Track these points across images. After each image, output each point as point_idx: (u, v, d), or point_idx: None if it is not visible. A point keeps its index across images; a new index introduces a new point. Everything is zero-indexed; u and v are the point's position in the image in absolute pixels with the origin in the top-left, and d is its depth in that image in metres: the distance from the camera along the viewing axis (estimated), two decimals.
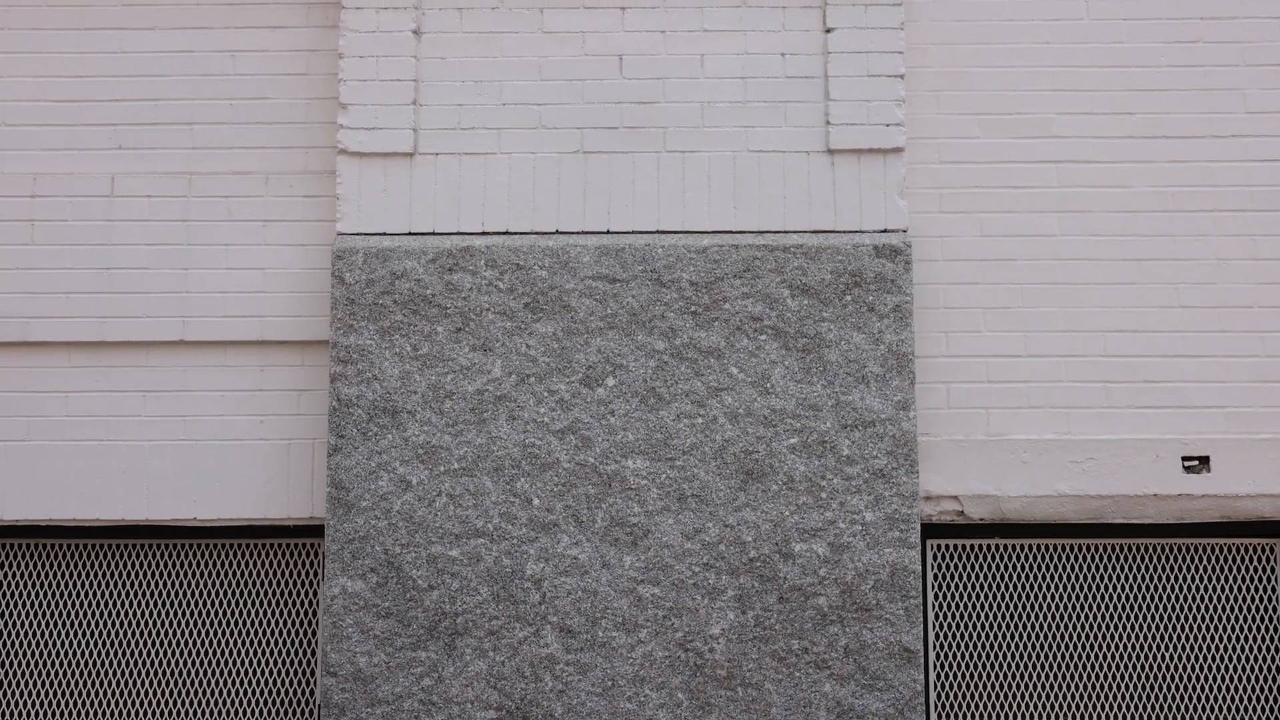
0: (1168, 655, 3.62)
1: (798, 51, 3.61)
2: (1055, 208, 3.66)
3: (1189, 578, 3.64)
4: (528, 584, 3.40)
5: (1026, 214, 3.66)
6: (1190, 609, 3.62)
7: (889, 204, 3.55)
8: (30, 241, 3.67)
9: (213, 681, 3.68)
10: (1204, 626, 3.62)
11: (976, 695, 3.62)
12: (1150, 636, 3.63)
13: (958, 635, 3.63)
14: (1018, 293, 3.63)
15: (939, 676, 3.62)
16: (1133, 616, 3.63)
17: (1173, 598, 3.63)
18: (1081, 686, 3.62)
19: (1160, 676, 3.62)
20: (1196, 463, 3.56)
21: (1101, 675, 3.62)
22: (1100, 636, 3.63)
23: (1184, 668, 3.61)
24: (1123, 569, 3.65)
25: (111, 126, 3.71)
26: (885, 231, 3.55)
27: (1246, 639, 3.61)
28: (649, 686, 3.38)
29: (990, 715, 3.62)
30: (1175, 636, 3.62)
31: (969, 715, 3.62)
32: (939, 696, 3.62)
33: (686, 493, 3.42)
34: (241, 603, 3.70)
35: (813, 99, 3.59)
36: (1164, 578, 3.64)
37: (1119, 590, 3.64)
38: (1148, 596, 3.63)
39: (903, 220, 3.55)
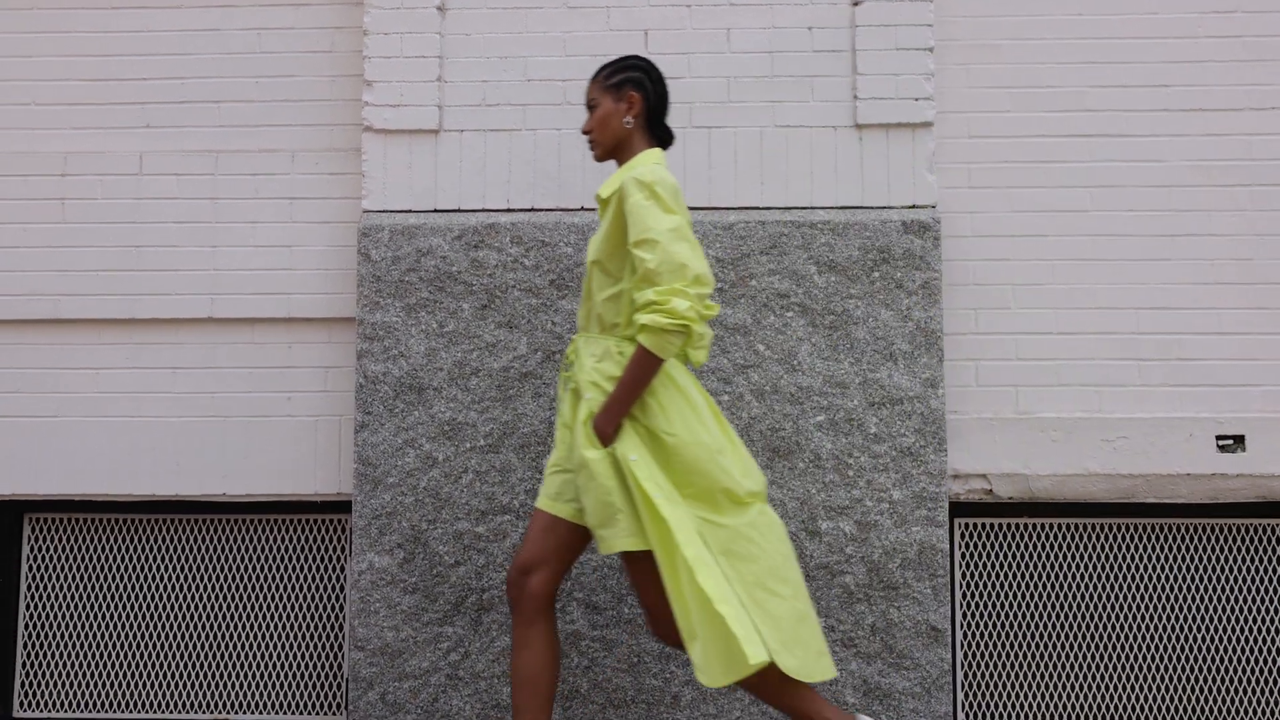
0: (1199, 636, 3.58)
1: (825, 25, 3.56)
2: (1087, 183, 3.60)
3: (1222, 558, 3.59)
4: None
5: (1058, 189, 3.61)
6: (1223, 590, 3.58)
7: (917, 179, 3.51)
8: (61, 220, 3.70)
9: (242, 655, 3.72)
10: (1237, 607, 3.57)
11: (1004, 675, 3.60)
12: (1182, 617, 3.58)
13: (986, 614, 3.61)
14: (1048, 269, 3.59)
15: (966, 656, 3.60)
16: (1164, 597, 3.59)
17: (1205, 578, 3.59)
18: (1111, 667, 3.59)
19: (1191, 657, 3.58)
20: (1231, 442, 3.51)
21: (1131, 656, 3.59)
22: (1130, 617, 3.59)
23: (1216, 649, 3.57)
24: (1154, 549, 3.60)
25: (139, 105, 3.73)
26: (914, 207, 3.51)
27: None
28: (674, 663, 3.38)
29: (1018, 695, 3.59)
30: (1207, 617, 3.58)
31: (997, 695, 3.60)
32: (966, 676, 3.60)
33: None
34: (271, 578, 3.73)
35: (840, 73, 3.54)
36: (1196, 558, 3.60)
37: (1150, 570, 3.60)
38: (1179, 577, 3.59)
39: (931, 196, 3.51)
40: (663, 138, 2.95)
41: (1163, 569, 3.60)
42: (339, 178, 3.67)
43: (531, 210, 3.55)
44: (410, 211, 3.56)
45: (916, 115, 3.51)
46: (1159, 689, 3.58)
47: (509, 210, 3.55)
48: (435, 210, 3.56)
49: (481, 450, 3.43)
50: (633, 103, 2.88)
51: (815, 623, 2.74)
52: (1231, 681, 3.57)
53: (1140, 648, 3.59)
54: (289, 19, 3.72)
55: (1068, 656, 3.60)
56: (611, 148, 2.91)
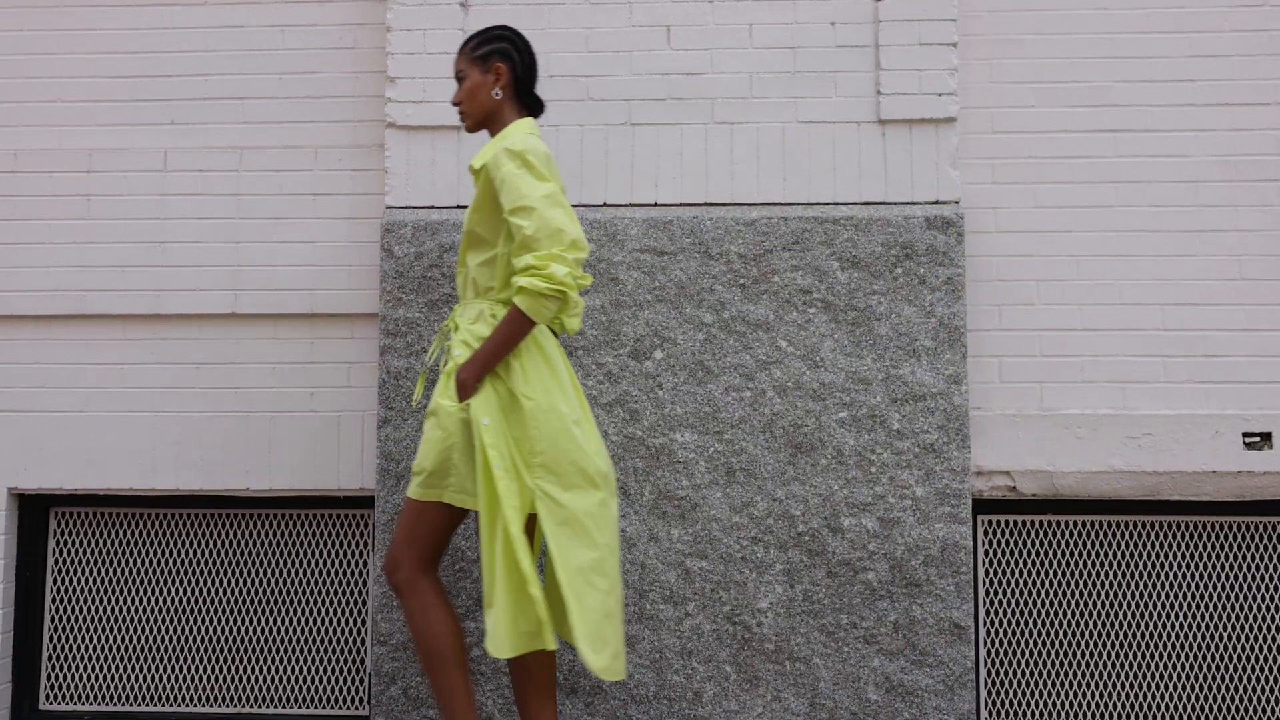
0: (1224, 634, 3.55)
1: (848, 20, 3.55)
2: (1112, 178, 3.58)
3: (1248, 556, 3.56)
4: None
5: (1082, 185, 3.59)
6: (1249, 588, 3.55)
7: (941, 175, 3.49)
8: (86, 216, 3.72)
9: (265, 650, 3.73)
10: (1263, 606, 3.55)
11: (1028, 672, 3.58)
12: (1207, 615, 3.56)
13: (1009, 612, 3.59)
14: (1073, 265, 3.57)
15: (990, 653, 3.59)
16: (1188, 595, 3.56)
17: (1231, 576, 3.56)
18: (1135, 665, 3.57)
19: (1216, 656, 3.55)
20: (1258, 439, 3.48)
21: (1155, 654, 3.57)
22: (1155, 615, 3.57)
23: (1241, 647, 3.55)
24: (1179, 546, 3.58)
25: (164, 102, 3.75)
26: (937, 203, 3.49)
27: None
28: (697, 659, 3.37)
29: (1042, 693, 3.58)
30: (1232, 616, 3.55)
31: (1020, 692, 3.58)
32: (989, 673, 3.59)
33: (735, 466, 3.40)
34: (294, 572, 3.74)
35: (863, 68, 3.53)
36: (1222, 556, 3.57)
37: (1174, 568, 3.58)
38: (1204, 574, 3.57)
39: (955, 191, 3.49)
40: (533, 107, 2.98)
41: (1187, 567, 3.58)
42: (362, 174, 3.68)
43: None
44: (433, 207, 3.57)
45: (940, 110, 3.50)
46: (1183, 687, 3.56)
47: None
48: (458, 206, 3.56)
49: None
50: (500, 74, 2.91)
51: (620, 622, 2.78)
52: (1257, 680, 3.54)
53: (1164, 646, 3.57)
54: (312, 15, 3.73)
55: (1091, 654, 3.58)
56: (482, 119, 2.94)
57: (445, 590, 2.85)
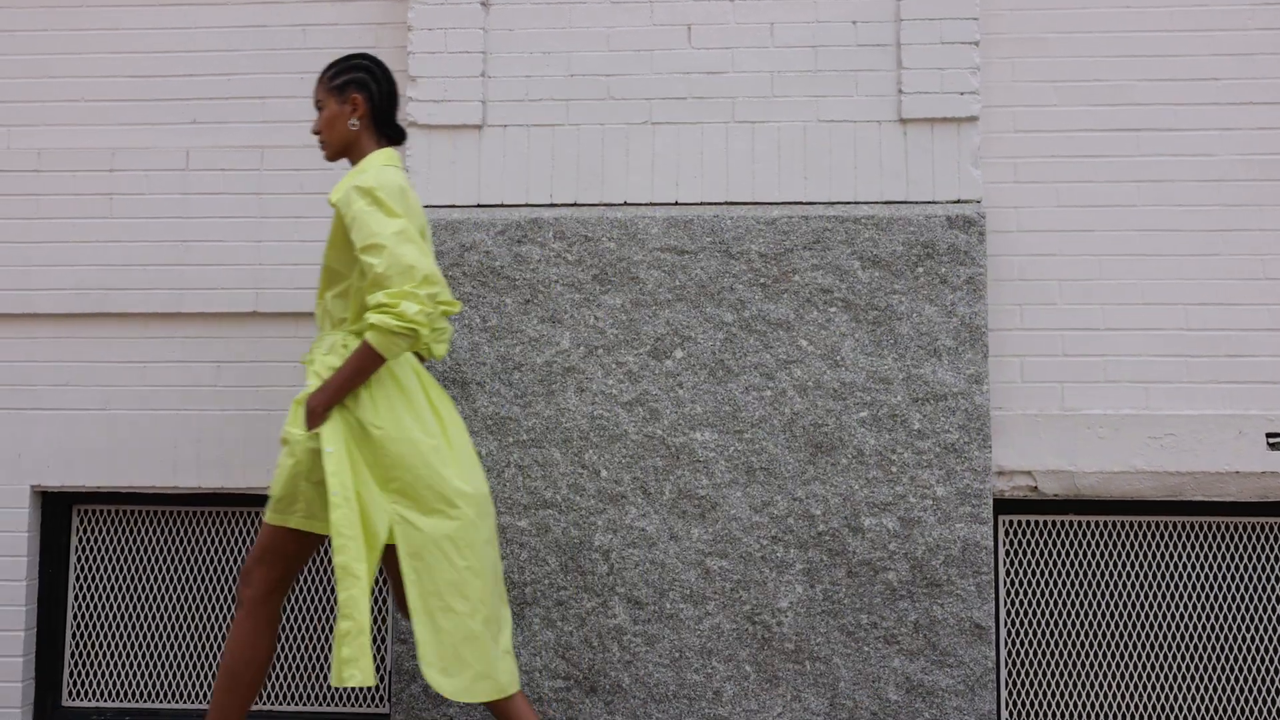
0: (1246, 636, 3.54)
1: (869, 19, 3.54)
2: (1135, 177, 3.57)
3: (1271, 557, 3.54)
4: (596, 555, 3.41)
5: (1105, 184, 3.57)
6: (1273, 589, 3.54)
7: (963, 174, 3.48)
8: (108, 215, 3.74)
9: (286, 647, 3.74)
10: None
11: (1049, 672, 3.57)
12: (1229, 616, 3.54)
13: (1030, 612, 3.58)
14: (1095, 264, 3.55)
15: (1010, 653, 3.58)
16: (1211, 595, 3.55)
17: (1253, 577, 3.54)
18: (1156, 666, 3.55)
19: (1238, 657, 3.54)
20: None
21: (1177, 655, 3.55)
22: (1177, 615, 3.56)
23: (1263, 649, 3.53)
24: (1201, 547, 3.57)
25: (185, 101, 3.76)
26: (959, 202, 3.49)
27: None
28: (716, 658, 3.37)
29: (1063, 693, 3.57)
30: (1255, 617, 3.54)
31: (1041, 693, 3.57)
32: (1010, 673, 3.58)
33: (755, 465, 3.40)
34: (313, 570, 3.75)
35: (885, 67, 3.52)
36: (1245, 557, 3.55)
37: (1197, 569, 3.56)
38: (1227, 575, 3.55)
39: (977, 191, 3.48)
40: (393, 136, 3.00)
41: (1210, 567, 3.56)
42: None
43: (575, 205, 3.55)
44: (454, 206, 3.57)
45: (962, 109, 3.49)
46: (1204, 688, 3.54)
47: (552, 205, 3.56)
48: (479, 205, 3.57)
49: (524, 445, 3.44)
50: (356, 104, 2.93)
51: (486, 643, 2.80)
52: (1277, 680, 3.53)
53: (1186, 647, 3.55)
54: (333, 15, 3.74)
55: (1113, 655, 3.56)
56: (340, 149, 2.96)
57: (279, 621, 2.90)
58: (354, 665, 2.67)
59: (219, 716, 2.84)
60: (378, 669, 3.62)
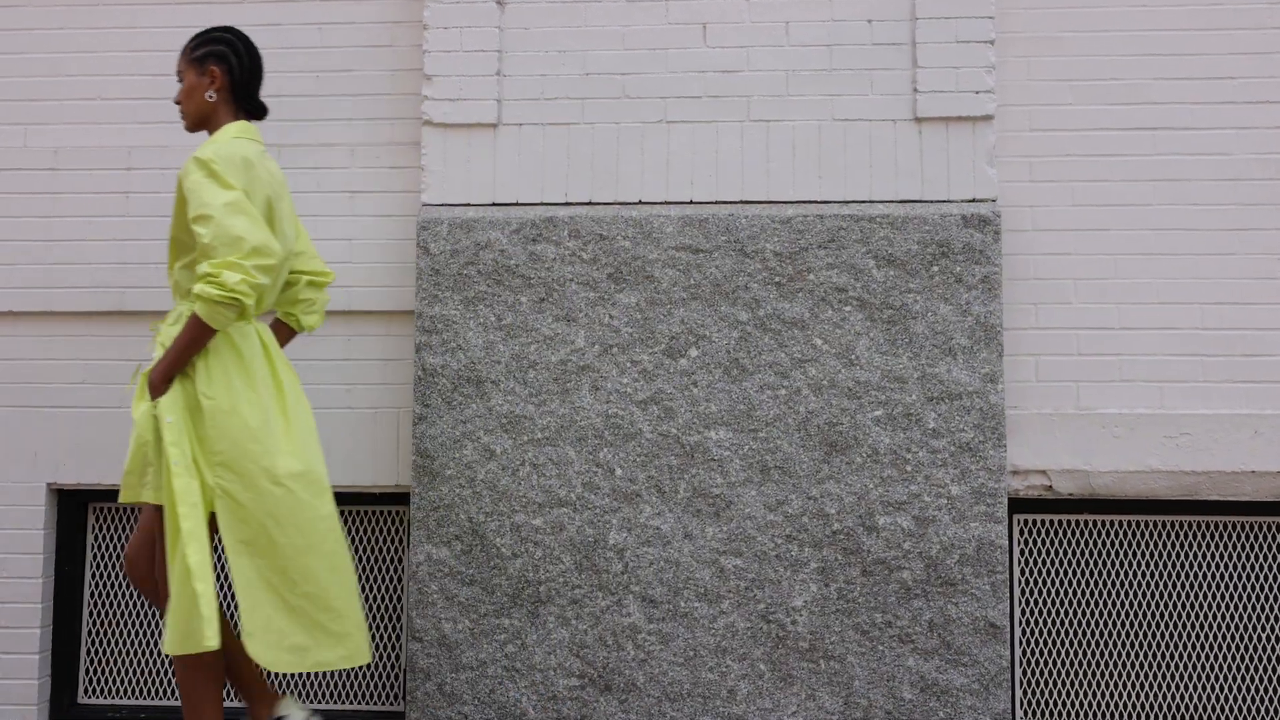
0: (1263, 635, 3.53)
1: (884, 18, 3.54)
2: (1151, 176, 3.56)
3: None
4: (610, 554, 3.41)
5: (1120, 183, 3.57)
6: None
7: (978, 173, 3.48)
8: (125, 213, 3.75)
9: None
10: None
11: (1064, 672, 3.57)
12: (1244, 616, 3.54)
13: (1045, 611, 3.58)
14: (1110, 264, 3.55)
15: (1025, 653, 3.57)
16: (1226, 595, 3.54)
17: (1268, 576, 3.54)
18: (1171, 665, 3.55)
19: (1253, 656, 3.53)
20: None
21: (1192, 654, 3.55)
22: (1191, 615, 3.55)
23: (1278, 648, 3.53)
24: (1217, 546, 3.56)
25: None
26: (974, 201, 3.48)
27: None
28: (731, 657, 3.38)
29: (1077, 693, 3.56)
30: (1272, 616, 3.53)
31: (1055, 692, 3.57)
32: (1025, 673, 3.57)
33: (769, 464, 3.40)
34: None
35: (900, 66, 3.52)
36: (1260, 556, 3.55)
37: (1212, 568, 3.55)
38: (1242, 575, 3.54)
39: (992, 190, 3.48)
40: (253, 110, 3.03)
41: (1225, 567, 3.55)
42: (398, 172, 3.69)
43: (589, 204, 3.56)
44: (469, 205, 3.58)
45: (977, 108, 3.48)
46: (1219, 688, 3.54)
47: (567, 204, 3.56)
48: (494, 204, 3.58)
49: (539, 443, 3.45)
50: (214, 77, 2.97)
51: (305, 617, 2.84)
52: None
53: (1201, 646, 3.55)
54: (349, 14, 3.75)
55: (1128, 654, 3.56)
56: (198, 120, 3.01)
57: None
58: (211, 625, 2.72)
59: (192, 711, 2.88)
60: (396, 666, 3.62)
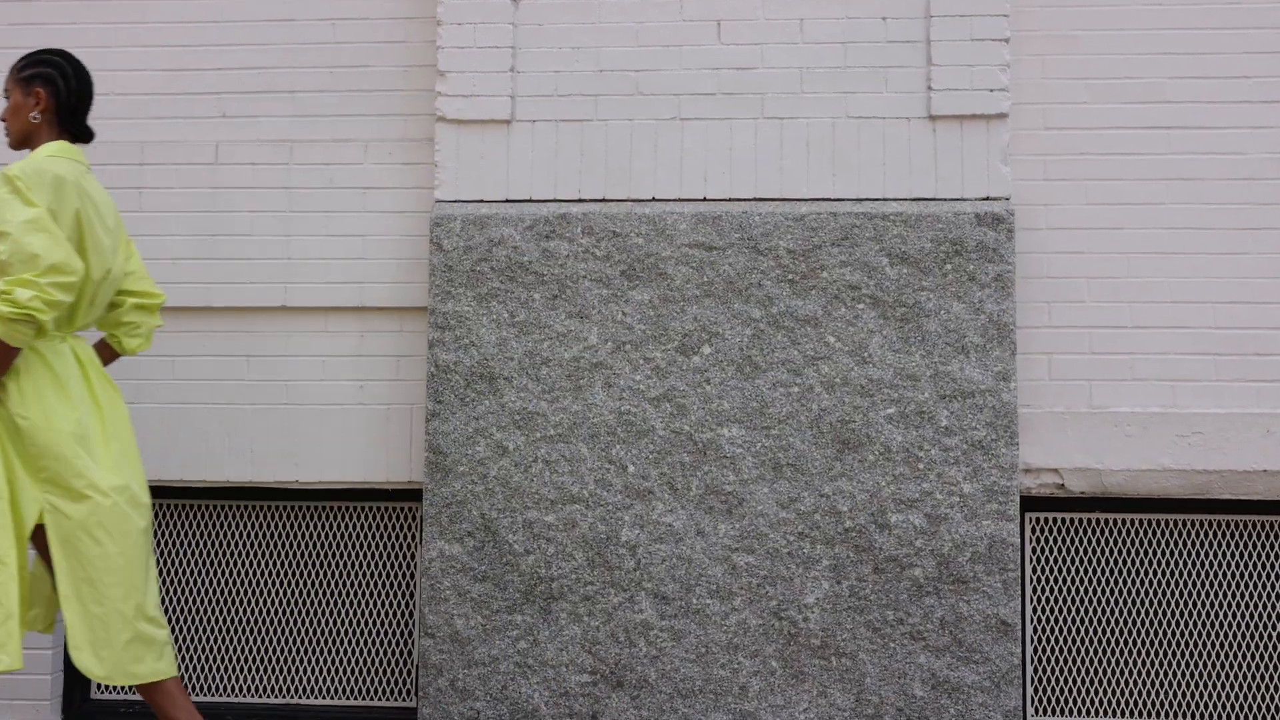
0: (1275, 634, 3.53)
1: (899, 15, 3.54)
2: (1165, 175, 3.56)
3: None
4: (622, 550, 3.42)
5: (1134, 182, 3.56)
6: None
7: (992, 171, 3.48)
8: (138, 209, 3.75)
9: (314, 641, 3.76)
10: None
11: (1075, 669, 3.58)
12: (1255, 615, 3.54)
13: (1056, 609, 3.59)
14: (1124, 262, 3.55)
15: (1036, 650, 3.58)
16: (1237, 593, 3.55)
17: None
18: (1183, 663, 3.55)
19: (1264, 655, 3.54)
20: None
21: (1203, 653, 3.55)
22: (1203, 613, 3.55)
23: None
24: (1228, 545, 3.56)
25: (215, 95, 3.77)
26: (988, 199, 3.48)
27: None
28: (743, 654, 3.38)
29: (1089, 691, 3.57)
30: None
31: (1067, 690, 3.58)
32: (1036, 670, 3.58)
33: (782, 461, 3.41)
34: (342, 564, 3.77)
35: (914, 64, 3.52)
36: (1272, 555, 3.55)
37: (1223, 567, 3.56)
38: (1253, 573, 3.55)
39: (1006, 188, 3.48)
40: (79, 134, 3.06)
41: (1237, 566, 3.56)
42: (412, 168, 3.69)
43: (603, 201, 3.56)
44: (482, 201, 3.58)
45: (991, 106, 3.48)
46: (1230, 686, 3.54)
47: (580, 201, 3.56)
48: (507, 200, 3.58)
49: (551, 440, 3.45)
50: (40, 99, 3.00)
51: (138, 627, 2.87)
52: None
53: (1213, 644, 3.55)
54: (363, 9, 3.75)
55: (1139, 652, 3.57)
56: (22, 139, 3.04)
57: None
58: (3, 649, 2.77)
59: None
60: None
